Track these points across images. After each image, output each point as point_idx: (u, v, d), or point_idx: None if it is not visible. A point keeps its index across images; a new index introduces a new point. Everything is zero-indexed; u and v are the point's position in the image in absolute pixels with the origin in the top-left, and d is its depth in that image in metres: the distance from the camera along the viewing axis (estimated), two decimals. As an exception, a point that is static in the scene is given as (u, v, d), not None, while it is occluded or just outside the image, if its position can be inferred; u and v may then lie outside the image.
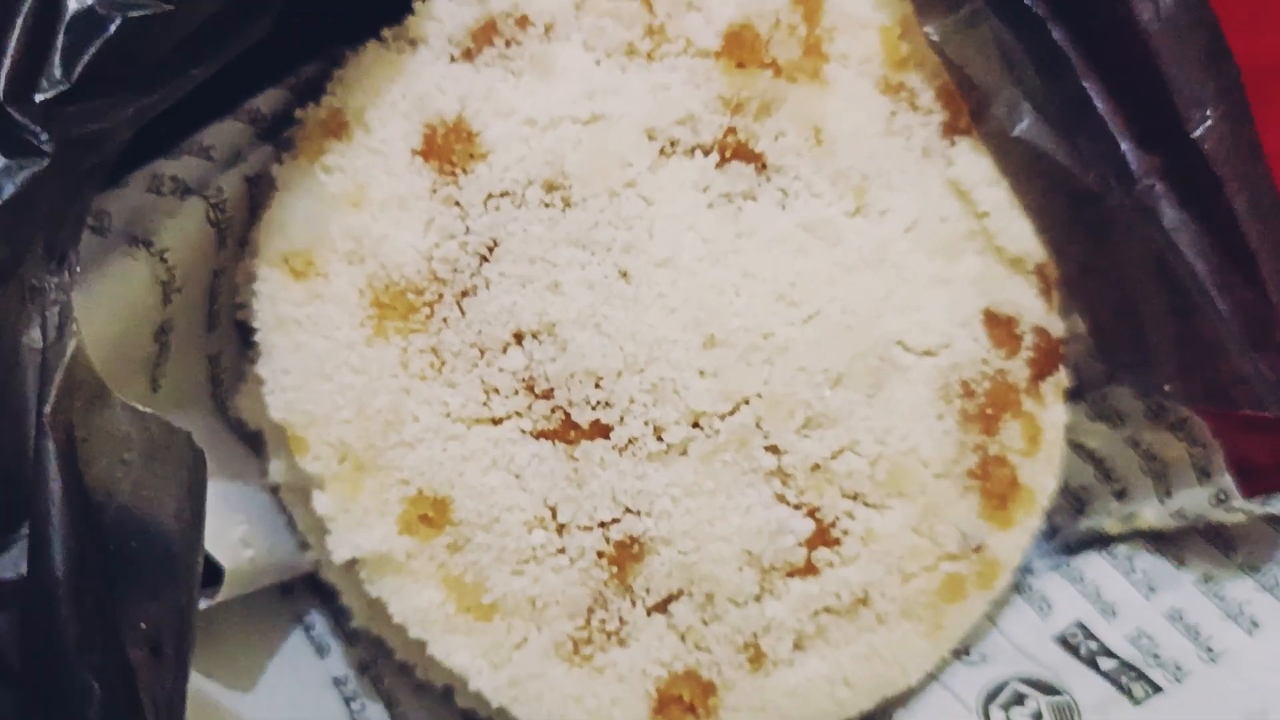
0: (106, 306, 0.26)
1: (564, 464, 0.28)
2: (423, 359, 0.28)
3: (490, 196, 0.29)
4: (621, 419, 0.28)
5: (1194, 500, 0.32)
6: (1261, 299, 0.28)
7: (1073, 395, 0.33)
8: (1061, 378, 0.32)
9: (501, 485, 0.28)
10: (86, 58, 0.22)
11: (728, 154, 0.29)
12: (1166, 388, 0.30)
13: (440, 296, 0.28)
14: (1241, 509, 0.31)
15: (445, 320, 0.28)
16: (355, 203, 0.29)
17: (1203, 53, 0.28)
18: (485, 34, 0.29)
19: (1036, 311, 0.32)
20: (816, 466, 0.29)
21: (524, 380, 0.28)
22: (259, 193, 0.31)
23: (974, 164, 0.31)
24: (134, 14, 0.22)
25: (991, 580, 0.31)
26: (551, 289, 0.28)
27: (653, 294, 0.28)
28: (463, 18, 0.30)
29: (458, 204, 0.29)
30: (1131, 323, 0.30)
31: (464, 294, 0.28)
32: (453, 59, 0.30)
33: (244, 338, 0.31)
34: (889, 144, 0.30)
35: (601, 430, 0.28)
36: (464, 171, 0.29)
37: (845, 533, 0.30)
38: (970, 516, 0.31)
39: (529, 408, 0.28)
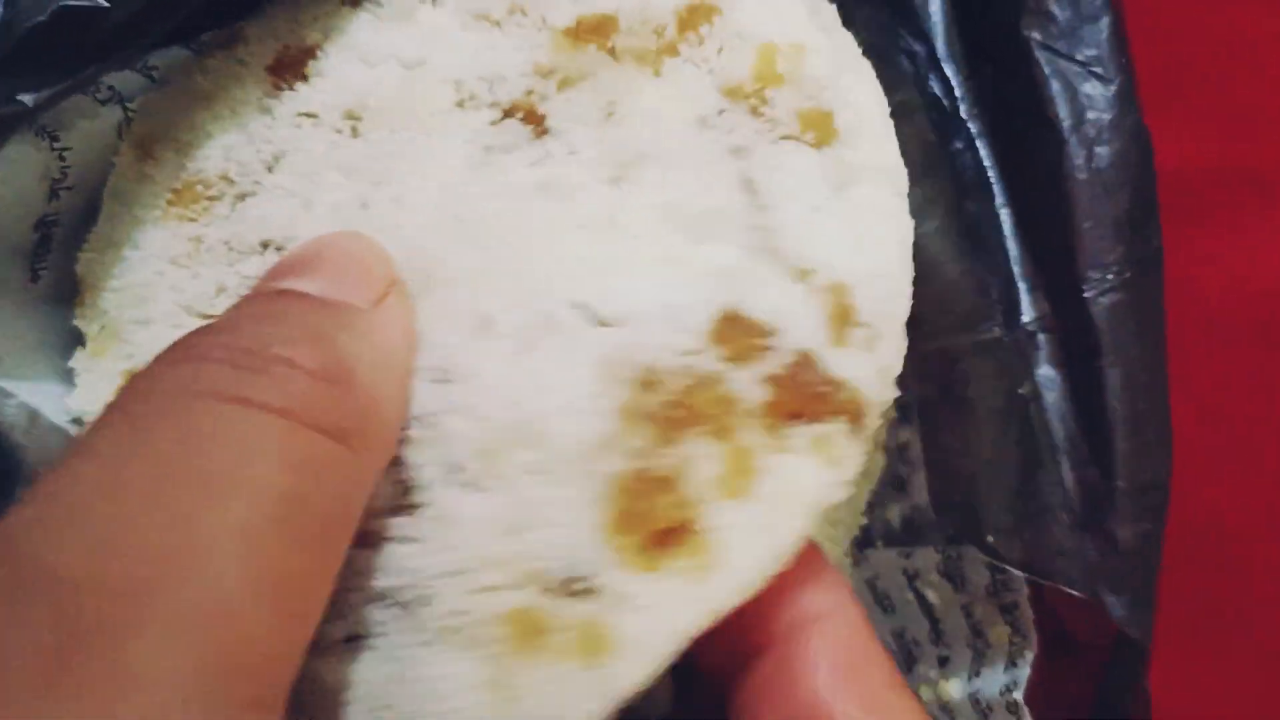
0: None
1: None
2: (183, 246, 0.29)
3: (299, 114, 0.29)
4: None
5: (991, 685, 0.30)
6: (1106, 478, 0.28)
7: (920, 541, 0.32)
8: (836, 435, 0.24)
9: None
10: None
11: (516, 114, 0.27)
12: (989, 539, 0.29)
13: (222, 195, 0.29)
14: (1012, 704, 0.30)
15: (216, 216, 0.29)
16: (206, 99, 0.30)
17: (1124, 216, 0.27)
18: None
19: (809, 335, 0.24)
20: (418, 419, 0.24)
21: (250, 287, 0.28)
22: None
23: (787, 167, 0.25)
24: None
25: (596, 650, 0.22)
26: (304, 206, 0.28)
27: (376, 226, 0.27)
28: None
29: (270, 114, 0.29)
30: (971, 464, 0.29)
31: (241, 196, 0.29)
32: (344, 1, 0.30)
33: None
34: (694, 135, 0.26)
35: None
36: (289, 88, 0.29)
37: (428, 504, 0.23)
38: (592, 535, 0.22)
39: None
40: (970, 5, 0.28)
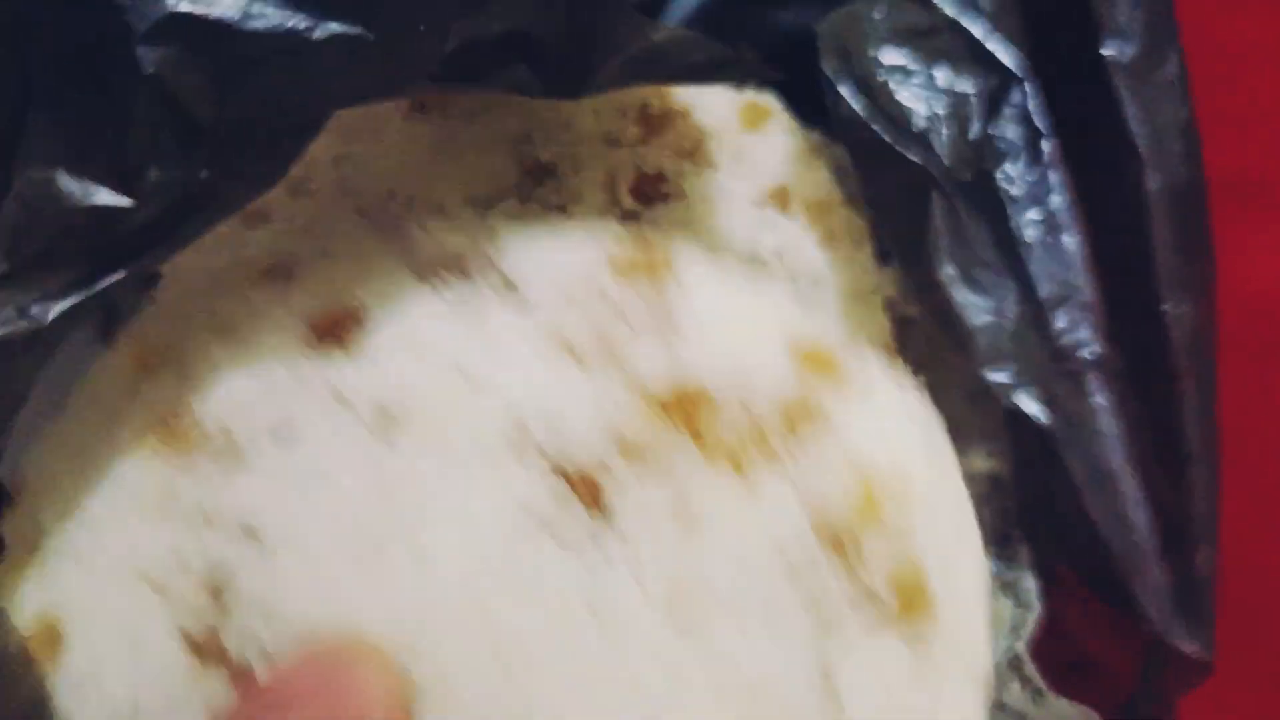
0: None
1: None
2: (154, 492, 0.24)
3: (330, 388, 0.25)
4: None
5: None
6: (1181, 505, 0.27)
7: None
8: None
9: (117, 656, 0.23)
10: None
11: (578, 490, 0.24)
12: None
13: (217, 452, 0.24)
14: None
15: (201, 472, 0.24)
16: (235, 335, 0.25)
17: (1195, 240, 0.27)
18: (456, 264, 0.26)
19: None
20: None
21: (214, 577, 0.24)
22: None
23: (874, 669, 0.24)
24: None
25: None
26: (309, 506, 0.24)
27: (386, 583, 0.23)
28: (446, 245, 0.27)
29: (298, 379, 0.25)
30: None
31: (237, 460, 0.24)
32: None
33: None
34: (780, 590, 0.24)
35: None
36: (325, 352, 0.25)
37: None
38: None
39: (196, 610, 0.23)
40: (1050, 24, 0.28)
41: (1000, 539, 0.29)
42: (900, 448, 0.25)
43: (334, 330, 0.25)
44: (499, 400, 0.24)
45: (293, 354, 0.25)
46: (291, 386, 0.24)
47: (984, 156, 0.28)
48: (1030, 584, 0.30)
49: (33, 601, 0.24)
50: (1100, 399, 0.28)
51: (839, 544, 0.24)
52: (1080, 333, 0.28)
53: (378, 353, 0.25)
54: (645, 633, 0.22)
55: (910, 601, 0.24)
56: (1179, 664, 0.29)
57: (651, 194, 0.32)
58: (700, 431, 0.24)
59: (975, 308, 0.28)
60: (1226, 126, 0.40)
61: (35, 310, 0.21)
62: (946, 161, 0.29)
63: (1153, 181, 0.26)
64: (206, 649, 0.23)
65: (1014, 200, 0.28)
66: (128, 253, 0.22)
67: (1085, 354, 0.28)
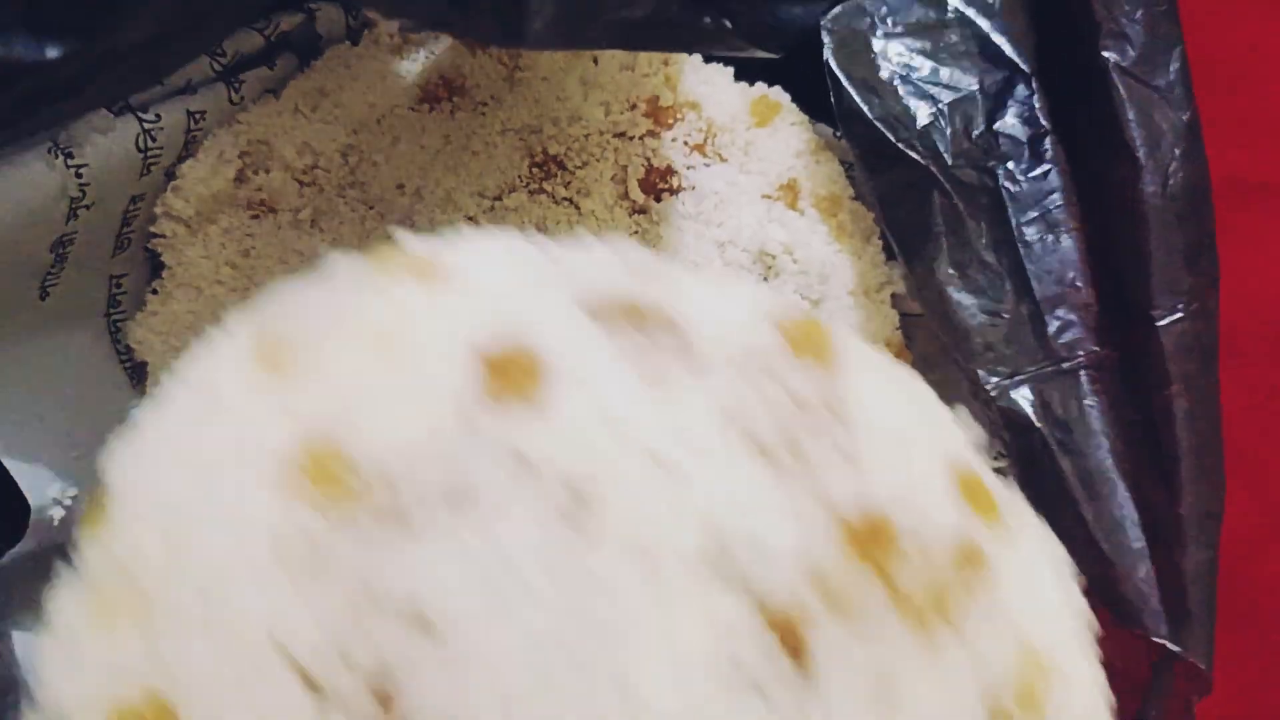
0: (6, 207, 0.25)
1: None
2: (292, 535, 0.19)
3: (511, 450, 0.20)
4: None
5: None
6: (1170, 507, 0.27)
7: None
8: None
9: None
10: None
11: (775, 627, 0.21)
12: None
13: (371, 503, 0.19)
14: None
15: (350, 521, 0.19)
16: (387, 344, 0.20)
17: (1193, 244, 0.27)
18: (628, 312, 0.22)
19: None
20: None
21: (381, 669, 0.19)
22: (198, 128, 0.30)
23: None
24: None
25: None
26: (487, 597, 0.19)
27: (578, 707, 0.19)
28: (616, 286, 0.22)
29: (473, 431, 0.20)
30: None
31: (399, 523, 0.19)
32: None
33: (153, 266, 0.31)
34: None
35: None
36: (504, 405, 0.20)
37: None
38: None
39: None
40: (1052, 24, 0.28)
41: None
42: (1052, 615, 0.23)
43: (515, 382, 0.20)
44: (696, 512, 0.20)
45: (464, 394, 0.20)
46: (469, 443, 0.20)
47: (987, 154, 0.28)
48: None
49: (137, 672, 0.19)
50: (1093, 400, 0.28)
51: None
52: (1075, 333, 0.28)
53: (565, 415, 0.20)
54: None
55: None
56: (1184, 673, 0.29)
57: (661, 187, 0.32)
58: (889, 575, 0.21)
59: (972, 306, 0.29)
60: (1249, 128, 0.39)
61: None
62: (949, 159, 0.29)
63: (1150, 185, 0.26)
64: None
65: (1015, 199, 0.28)
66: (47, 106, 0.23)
67: (1080, 355, 0.28)
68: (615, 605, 0.19)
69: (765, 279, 0.33)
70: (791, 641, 0.20)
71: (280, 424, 0.19)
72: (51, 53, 0.21)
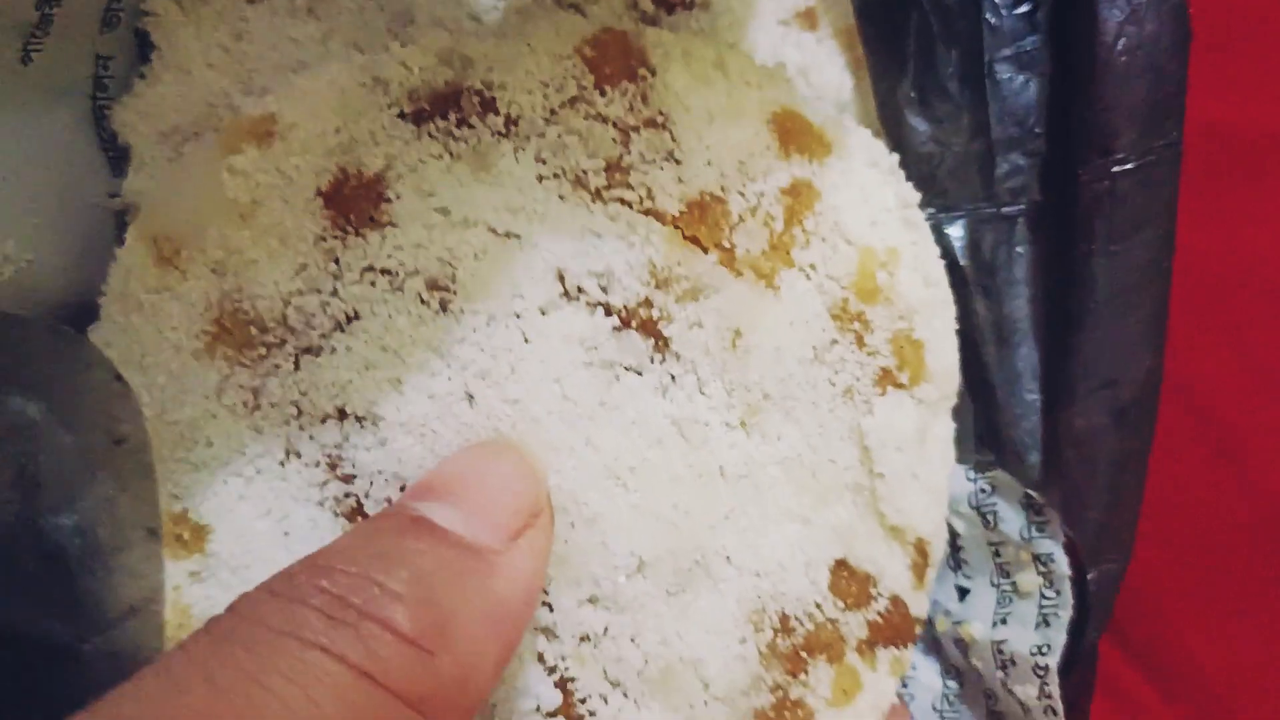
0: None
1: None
2: (239, 394, 0.26)
3: (370, 269, 0.26)
4: None
5: (1020, 640, 0.30)
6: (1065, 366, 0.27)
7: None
8: (906, 656, 0.29)
9: (266, 535, 0.26)
10: None
11: (632, 323, 0.26)
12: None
13: (282, 342, 0.26)
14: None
15: (277, 367, 0.26)
16: (243, 215, 0.26)
17: (1141, 103, 0.26)
18: (443, 102, 0.26)
19: (900, 582, 0.29)
20: (585, 638, 0.26)
21: (329, 456, 0.26)
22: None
23: (890, 423, 0.28)
24: None
25: None
26: (392, 383, 0.26)
27: (489, 426, 0.25)
28: (430, 77, 0.26)
29: (336, 261, 0.26)
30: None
31: (306, 350, 0.26)
32: (401, 114, 0.26)
33: (141, 49, 0.29)
34: (811, 372, 0.27)
35: None
36: (356, 233, 0.26)
37: (592, 714, 0.26)
38: None
39: (324, 484, 0.26)
40: None
41: (1031, 506, 0.29)
42: (883, 213, 0.27)
43: (358, 209, 0.25)
44: (538, 258, 0.25)
45: (321, 236, 0.25)
46: (335, 271, 0.25)
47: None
48: (1060, 561, 0.29)
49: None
50: (1024, 248, 0.28)
51: (850, 322, 0.27)
52: (1021, 179, 0.28)
53: (409, 226, 0.25)
54: (719, 433, 0.26)
55: (912, 368, 0.28)
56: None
57: (674, 0, 0.31)
58: (721, 243, 0.26)
59: (924, 134, 0.28)
60: (1247, 84, 0.35)
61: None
62: (934, -24, 0.28)
63: (1106, 35, 0.25)
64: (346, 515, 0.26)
65: (994, 32, 0.28)
66: None
67: (1022, 202, 0.28)
68: (488, 350, 0.25)
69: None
70: (651, 334, 0.26)
71: (189, 312, 0.26)
72: None
